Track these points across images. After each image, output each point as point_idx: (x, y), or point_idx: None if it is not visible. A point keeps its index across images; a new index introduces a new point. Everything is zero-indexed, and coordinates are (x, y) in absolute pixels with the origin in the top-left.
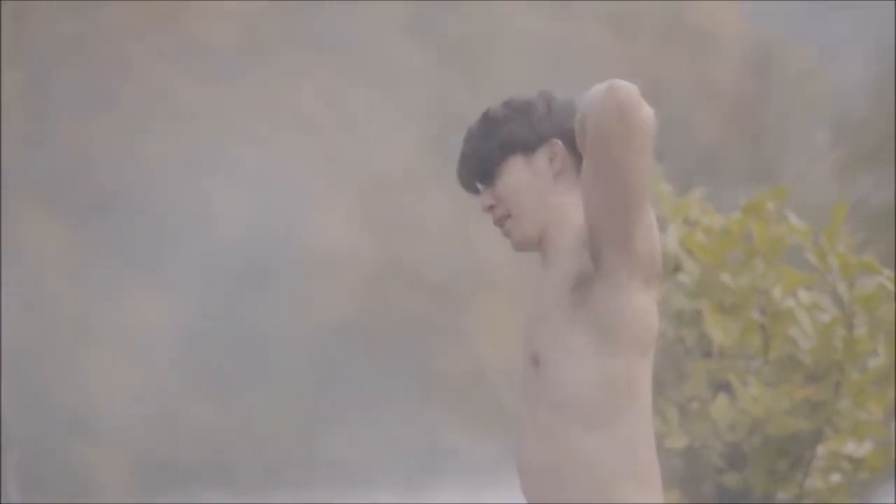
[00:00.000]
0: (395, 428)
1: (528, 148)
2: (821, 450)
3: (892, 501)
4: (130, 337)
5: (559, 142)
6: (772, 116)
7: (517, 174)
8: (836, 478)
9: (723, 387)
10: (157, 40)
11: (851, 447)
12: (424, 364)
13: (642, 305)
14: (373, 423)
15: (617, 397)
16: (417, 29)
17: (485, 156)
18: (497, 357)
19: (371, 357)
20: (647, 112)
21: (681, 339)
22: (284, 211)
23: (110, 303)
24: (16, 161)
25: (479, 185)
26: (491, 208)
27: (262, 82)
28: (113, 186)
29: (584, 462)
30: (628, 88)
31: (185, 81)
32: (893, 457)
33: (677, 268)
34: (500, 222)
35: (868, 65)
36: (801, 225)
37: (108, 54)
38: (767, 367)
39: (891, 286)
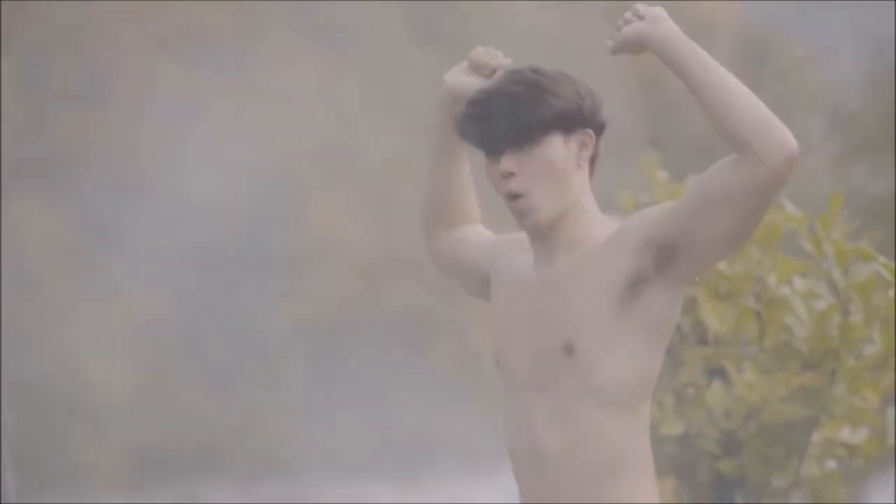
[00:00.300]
0: (393, 418)
1: (570, 129)
2: (816, 437)
3: (892, 488)
4: (128, 326)
5: (592, 132)
6: (768, 107)
7: (556, 151)
8: (831, 464)
9: (718, 373)
10: (152, 27)
11: (847, 434)
12: (421, 354)
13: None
14: (369, 413)
15: (645, 386)
16: (414, 19)
17: (530, 121)
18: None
19: (368, 347)
20: None
21: (676, 327)
22: (279, 201)
23: (108, 292)
24: (10, 147)
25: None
26: (510, 175)
27: (258, 71)
28: (109, 175)
29: (607, 442)
30: (796, 145)
31: (179, 69)
32: (888, 444)
33: None
34: (514, 196)
35: (864, 57)
36: (796, 212)
37: (102, 41)
38: (763, 354)
39: (885, 273)
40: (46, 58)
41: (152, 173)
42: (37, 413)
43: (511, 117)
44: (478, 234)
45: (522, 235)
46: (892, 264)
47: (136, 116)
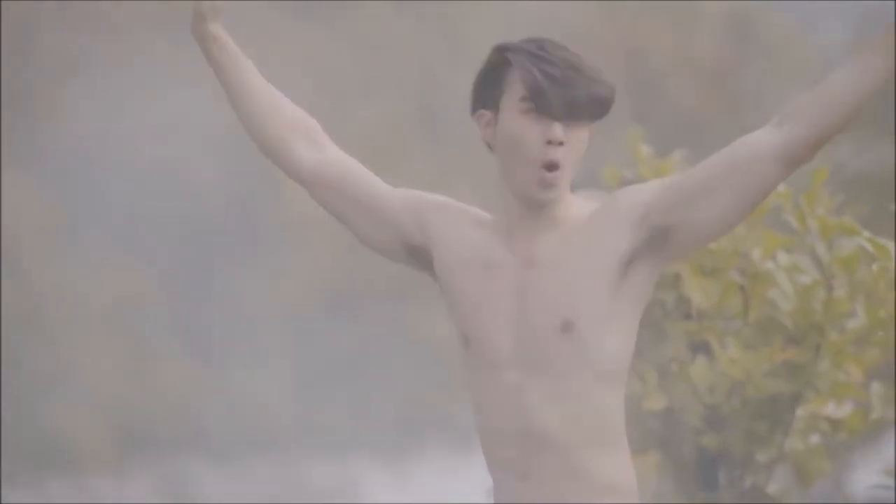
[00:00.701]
0: (379, 395)
1: (599, 118)
2: (800, 411)
3: (876, 462)
4: (110, 302)
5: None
6: (752, 81)
7: (587, 135)
8: (815, 439)
9: (701, 348)
10: (137, 3)
11: (831, 409)
12: (408, 330)
13: None
14: (355, 390)
15: (630, 360)
16: None
17: (605, 99)
18: None
19: (353, 322)
20: None
21: (660, 302)
22: (262, 175)
23: (89, 268)
24: None
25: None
26: (559, 145)
27: (244, 44)
28: (90, 151)
29: (603, 418)
30: (798, 165)
31: (163, 44)
32: (872, 418)
33: None
34: (553, 166)
35: (849, 30)
36: (780, 187)
37: (86, 17)
38: (747, 329)
39: (869, 247)
40: (28, 30)
41: (135, 150)
42: (20, 393)
43: (590, 91)
44: (369, 175)
45: (451, 202)
46: (877, 239)
47: (118, 92)
